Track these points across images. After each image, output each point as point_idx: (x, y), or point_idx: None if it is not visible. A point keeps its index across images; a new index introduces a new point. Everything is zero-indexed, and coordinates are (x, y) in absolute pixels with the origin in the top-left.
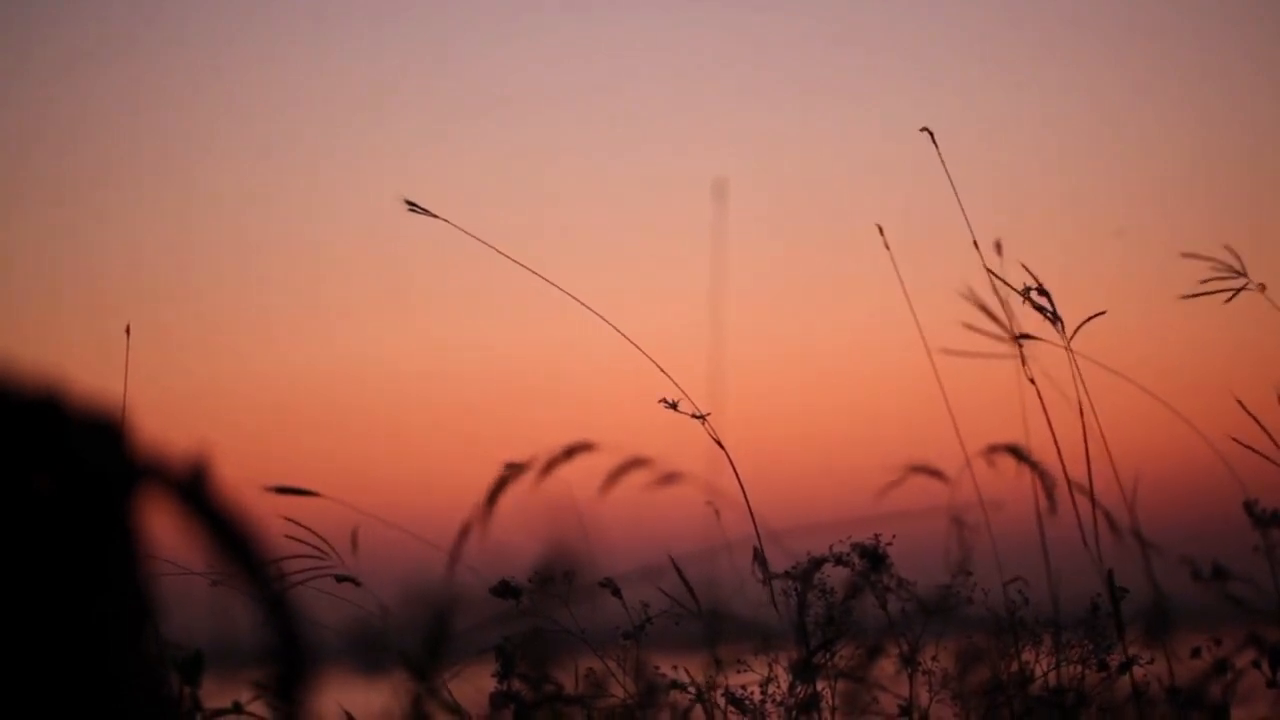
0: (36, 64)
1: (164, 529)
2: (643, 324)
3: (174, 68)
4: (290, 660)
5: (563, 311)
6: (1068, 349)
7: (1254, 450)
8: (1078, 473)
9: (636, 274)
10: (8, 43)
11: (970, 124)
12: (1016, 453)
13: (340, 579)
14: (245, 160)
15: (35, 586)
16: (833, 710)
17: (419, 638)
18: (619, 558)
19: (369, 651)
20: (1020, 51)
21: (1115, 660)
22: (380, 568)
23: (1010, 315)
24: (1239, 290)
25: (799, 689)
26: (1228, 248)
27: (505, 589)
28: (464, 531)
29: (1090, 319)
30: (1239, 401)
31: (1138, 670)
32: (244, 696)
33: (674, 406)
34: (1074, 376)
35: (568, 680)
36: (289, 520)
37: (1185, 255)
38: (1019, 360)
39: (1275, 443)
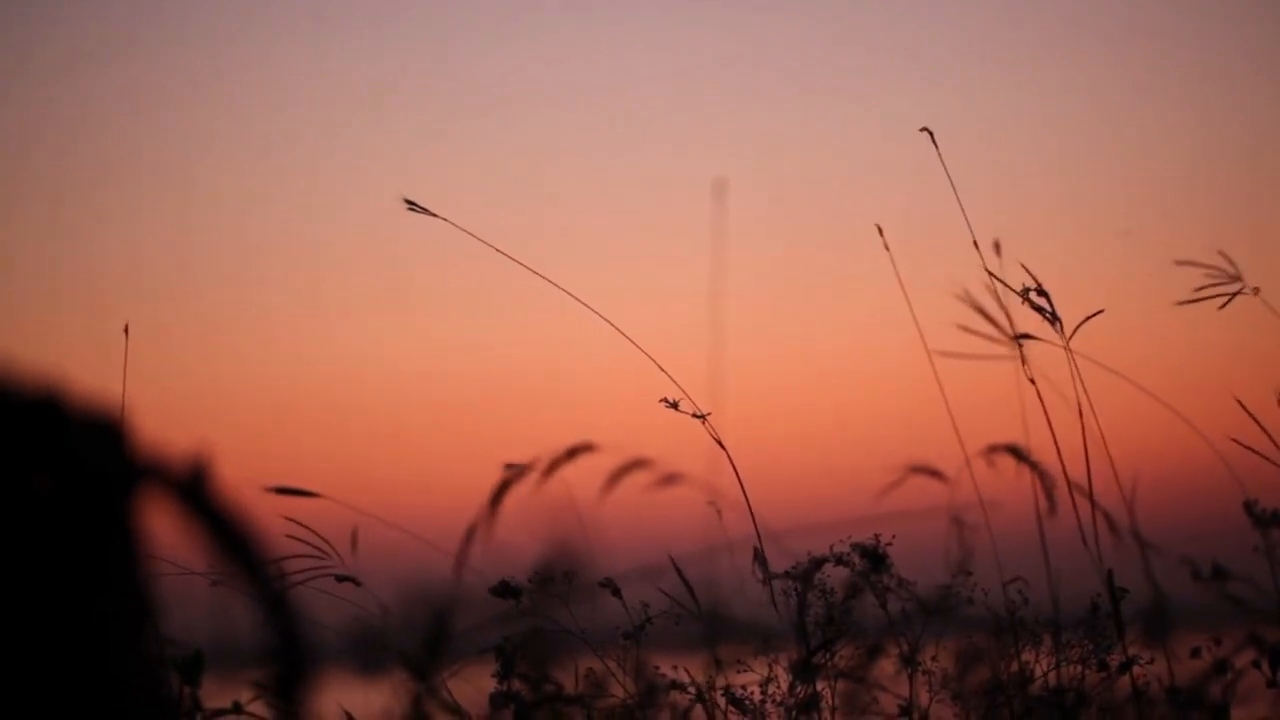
0: (36, 64)
1: (164, 529)
2: (643, 324)
3: (174, 68)
4: (290, 660)
5: (563, 311)
6: (1066, 349)
7: (1254, 451)
8: (1077, 473)
9: (636, 274)
10: (8, 43)
11: (970, 124)
12: (1016, 453)
13: (340, 579)
14: (245, 160)
15: (36, 586)
16: (833, 710)
17: (419, 638)
18: (619, 558)
19: (369, 651)
20: (1020, 51)
21: (1115, 660)
22: (380, 568)
23: (1009, 316)
24: (1234, 295)
25: (799, 689)
26: (1222, 253)
27: (505, 589)
28: (469, 534)
29: (1088, 318)
30: (1239, 402)
31: (1138, 670)
32: (244, 696)
33: (674, 406)
34: (1073, 376)
35: (568, 680)
36: (289, 520)
37: (1179, 263)
38: (1018, 360)
39: (1275, 443)
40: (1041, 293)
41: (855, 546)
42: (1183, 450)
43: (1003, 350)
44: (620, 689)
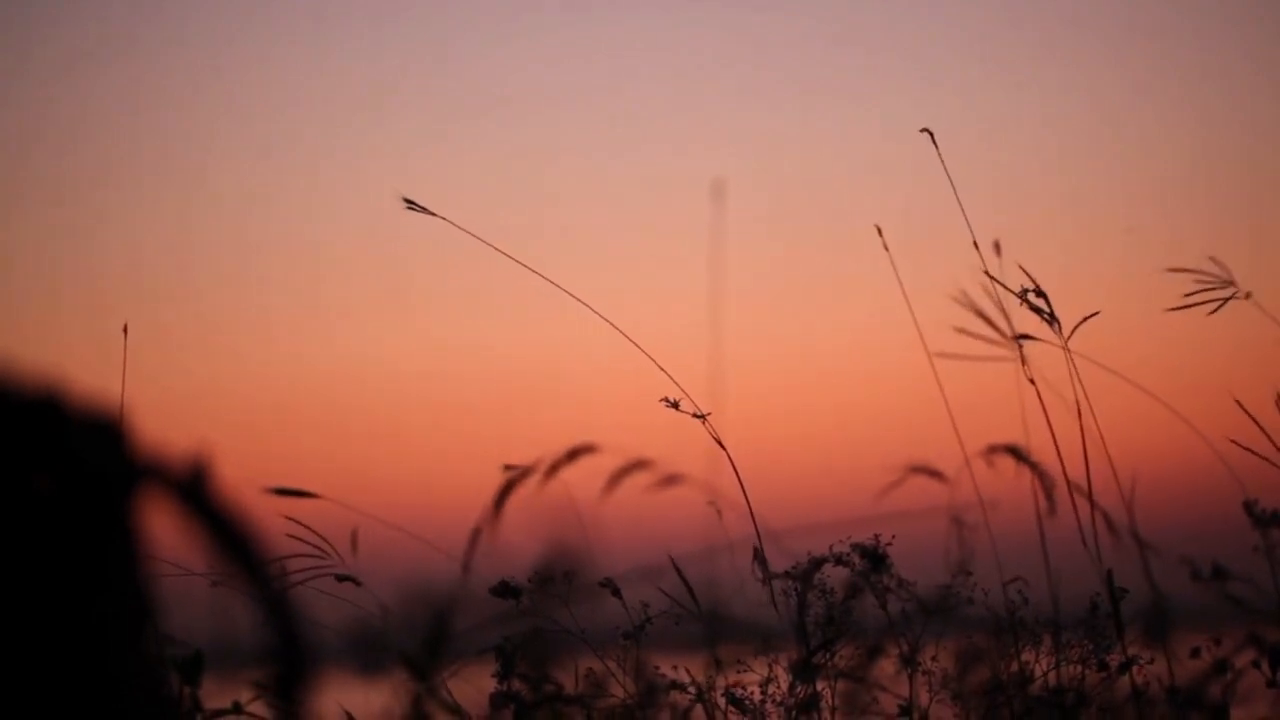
0: (36, 64)
1: (164, 529)
2: (643, 324)
3: (174, 68)
4: (290, 660)
5: (563, 311)
6: (1065, 349)
7: (1253, 452)
8: (1076, 473)
9: (636, 274)
10: (8, 43)
11: (970, 124)
12: (1016, 453)
13: (340, 579)
14: (245, 160)
15: (36, 586)
16: (833, 710)
17: (419, 638)
18: (619, 558)
19: (369, 651)
20: (1020, 51)
21: (1115, 660)
22: (380, 568)
23: (1008, 316)
24: (1226, 300)
25: (799, 689)
26: (1213, 259)
27: (505, 589)
28: (474, 537)
29: (1085, 320)
30: (1238, 403)
31: (1137, 670)
32: (244, 696)
33: (675, 406)
34: (1071, 377)
35: (568, 680)
36: (289, 520)
37: (1171, 270)
38: (1018, 361)
39: (1275, 444)
40: (1040, 294)
41: (855, 546)
42: (1182, 450)
43: (1002, 351)
44: (620, 689)
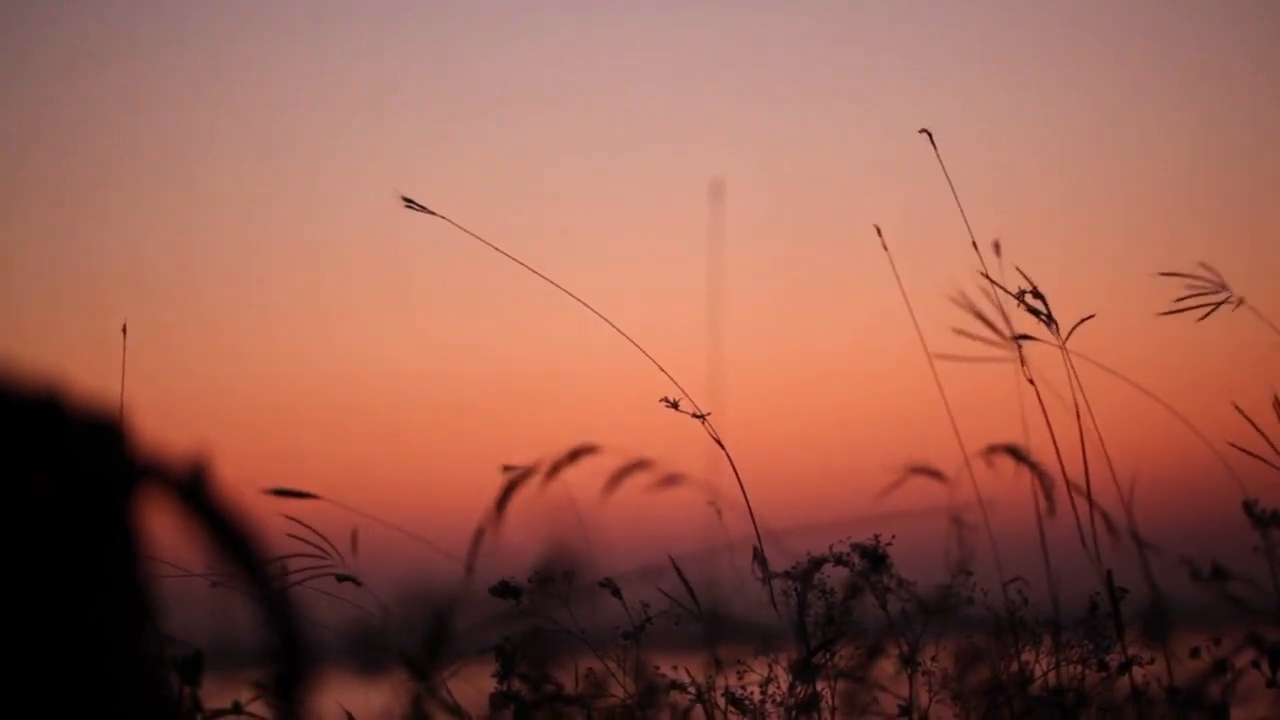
0: (36, 64)
1: (164, 529)
2: (643, 324)
3: (174, 68)
4: (290, 660)
5: (563, 311)
6: (1062, 348)
7: (1251, 454)
8: (1075, 473)
9: (636, 274)
10: (8, 43)
11: (970, 124)
12: (1016, 453)
13: (340, 579)
14: (245, 160)
15: (35, 587)
16: (833, 710)
17: (419, 638)
18: (619, 558)
19: (369, 651)
20: (1020, 51)
21: (1115, 660)
22: (380, 568)
23: (1008, 317)
24: (1218, 305)
25: (799, 689)
26: (1203, 264)
27: (505, 589)
28: (477, 538)
29: (1081, 322)
30: (1236, 407)
31: (1137, 670)
32: (244, 696)
33: (675, 406)
34: (1069, 377)
35: (568, 680)
36: (289, 520)
37: (1163, 274)
38: (1017, 361)
39: (1273, 447)
40: (1037, 295)
41: (855, 546)
42: (1182, 450)
43: (1001, 352)
44: (620, 689)
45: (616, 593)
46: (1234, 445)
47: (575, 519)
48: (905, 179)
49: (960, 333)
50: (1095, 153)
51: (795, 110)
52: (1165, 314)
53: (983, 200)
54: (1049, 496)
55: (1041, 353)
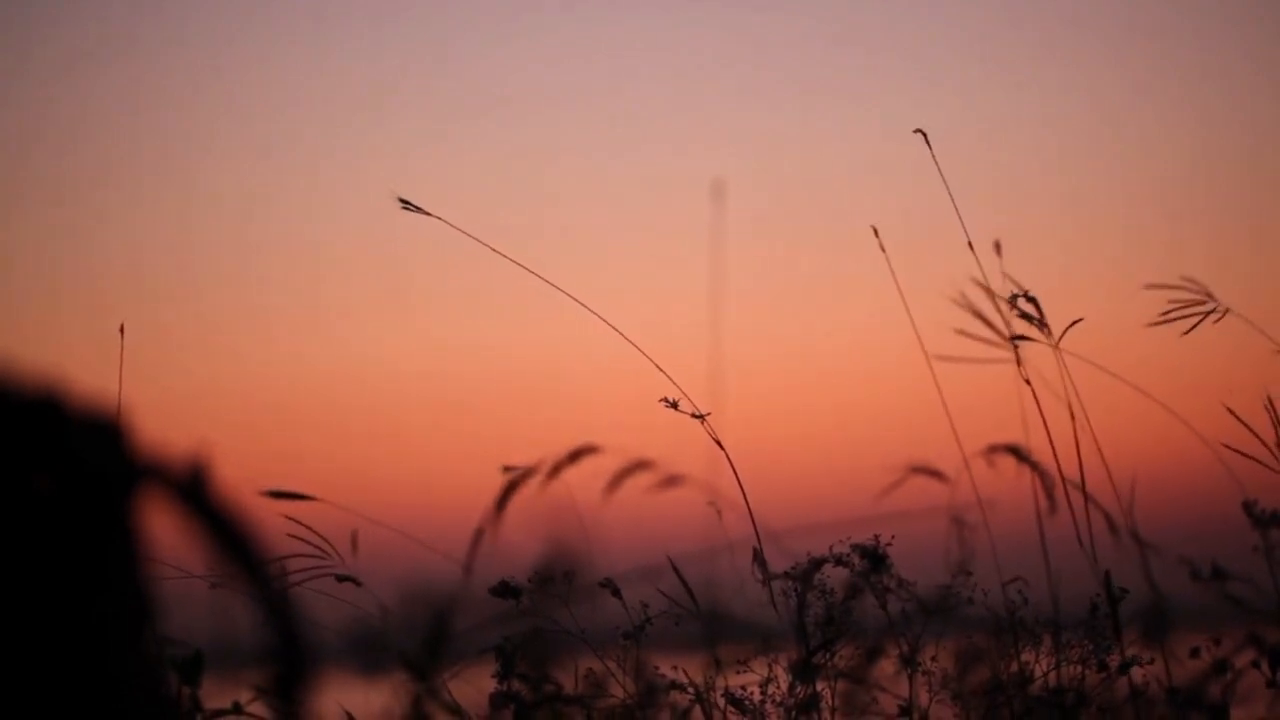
0: (36, 64)
1: (164, 529)
2: (643, 324)
3: (174, 68)
4: (290, 661)
5: (563, 311)
6: (1056, 348)
7: (1247, 455)
8: (1073, 473)
9: (636, 274)
10: (8, 43)
11: (970, 124)
12: (1016, 453)
13: (340, 579)
14: (245, 160)
15: (35, 587)
16: (833, 710)
17: (419, 638)
18: (619, 558)
19: (369, 651)
20: (1020, 51)
21: (1115, 661)
22: (380, 568)
23: (1006, 317)
24: (1204, 316)
25: (799, 689)
26: (1187, 277)
27: (505, 589)
28: (477, 538)
29: (1072, 325)
30: (1230, 410)
31: (1137, 670)
32: (244, 697)
33: (674, 406)
34: (1063, 378)
35: (568, 680)
36: (290, 520)
37: (1149, 286)
38: (1014, 362)
39: (1269, 449)
40: (1030, 299)
41: (855, 547)
42: (1181, 450)
43: (1000, 352)
44: (620, 689)
45: (616, 593)
46: (1228, 447)
47: (575, 519)
48: (905, 179)
49: (960, 332)
50: (1095, 153)
51: (795, 110)
52: (1153, 324)
53: (982, 201)
54: (1049, 496)
55: (1040, 353)
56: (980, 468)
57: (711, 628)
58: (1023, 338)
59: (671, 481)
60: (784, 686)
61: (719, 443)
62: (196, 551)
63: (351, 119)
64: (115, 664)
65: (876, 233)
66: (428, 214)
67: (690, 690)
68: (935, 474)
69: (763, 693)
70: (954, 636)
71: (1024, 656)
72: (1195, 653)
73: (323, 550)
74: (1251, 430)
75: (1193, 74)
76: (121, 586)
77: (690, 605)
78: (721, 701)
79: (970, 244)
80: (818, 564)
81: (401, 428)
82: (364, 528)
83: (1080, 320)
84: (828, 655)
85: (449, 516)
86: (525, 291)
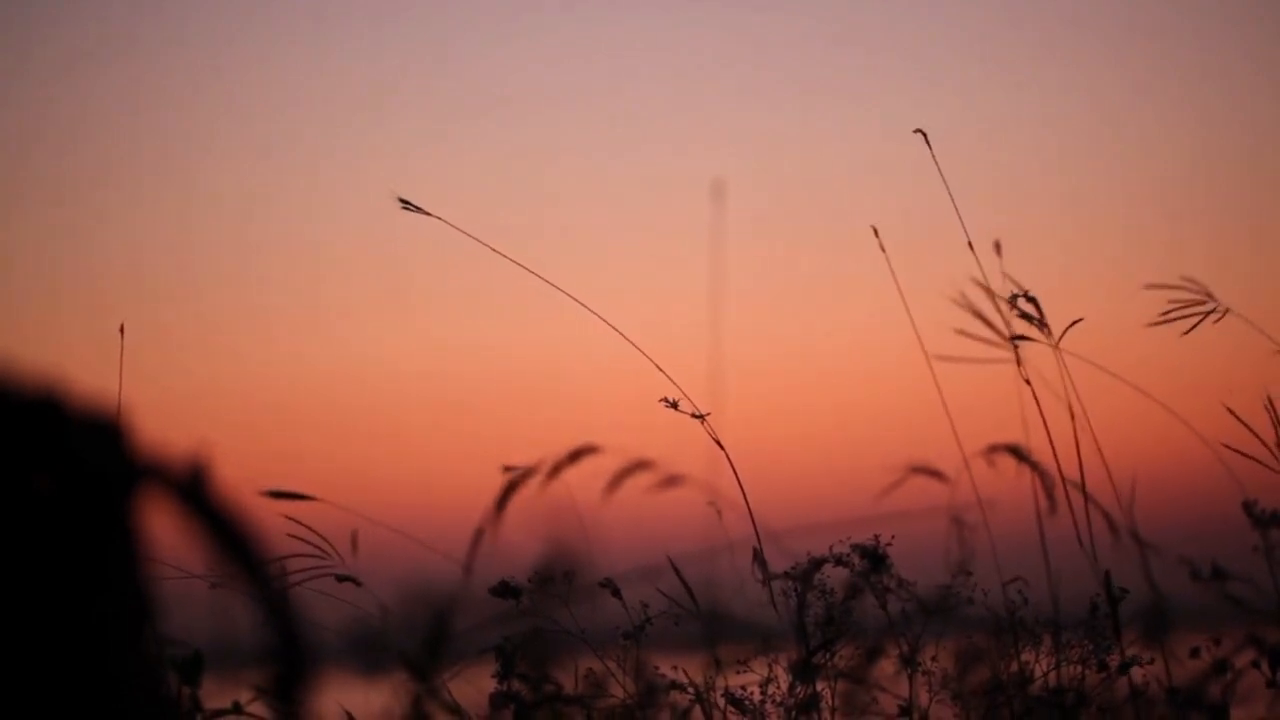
0: (36, 64)
1: (164, 529)
2: (643, 324)
3: (174, 68)
4: (290, 661)
5: (563, 311)
6: (1055, 348)
7: (1247, 455)
8: (1073, 473)
9: (636, 274)
10: (8, 43)
11: (970, 124)
12: (1016, 453)
13: (340, 579)
14: (245, 160)
15: (35, 587)
16: (833, 710)
17: (419, 638)
18: (619, 558)
19: (369, 651)
20: (1020, 51)
21: (1115, 661)
22: (380, 568)
23: (1006, 317)
24: (1204, 316)
25: (799, 689)
26: (1188, 277)
27: (505, 589)
28: (476, 539)
29: (1072, 325)
30: (1229, 410)
31: (1137, 670)
32: (244, 697)
33: (674, 406)
34: (1063, 378)
35: (568, 680)
36: (290, 520)
37: (1149, 286)
38: (1014, 362)
39: (1269, 449)
40: (1030, 299)
41: (855, 547)
42: (1181, 451)
43: (1001, 352)
44: (620, 689)
45: (616, 593)
46: (1228, 447)
47: (575, 519)
48: (905, 179)
49: (960, 333)
50: (1095, 153)
51: (795, 110)
52: (1153, 324)
53: (982, 201)
54: (1049, 496)
55: (1040, 353)
56: (980, 468)
57: (711, 628)
58: (1023, 338)
59: (671, 481)
60: (784, 686)
61: (719, 443)
62: (196, 551)
63: (351, 119)
64: (115, 664)
65: (876, 233)
66: (428, 214)
67: (690, 690)
68: (935, 474)
69: (763, 693)
70: (954, 636)
71: (1024, 656)
72: (1195, 653)
73: (323, 550)
74: (1251, 430)
75: (1193, 74)
76: (121, 586)
77: (690, 605)
78: (721, 701)
79: (970, 244)
80: (818, 564)
81: (401, 428)
82: (364, 528)
83: (1080, 320)
84: (828, 655)
85: (449, 516)
86: (525, 291)
